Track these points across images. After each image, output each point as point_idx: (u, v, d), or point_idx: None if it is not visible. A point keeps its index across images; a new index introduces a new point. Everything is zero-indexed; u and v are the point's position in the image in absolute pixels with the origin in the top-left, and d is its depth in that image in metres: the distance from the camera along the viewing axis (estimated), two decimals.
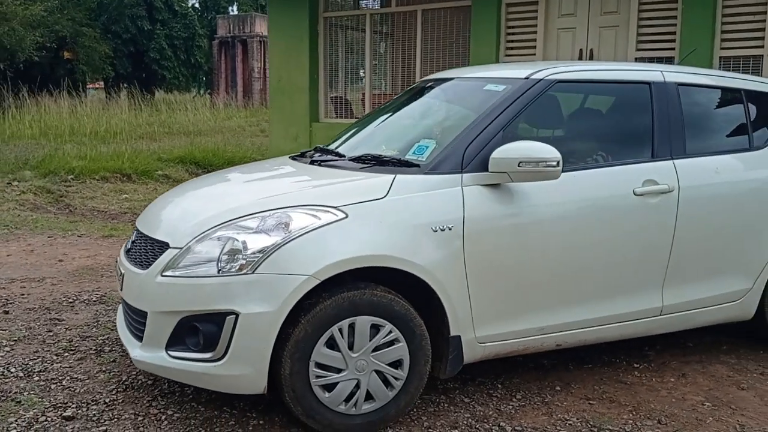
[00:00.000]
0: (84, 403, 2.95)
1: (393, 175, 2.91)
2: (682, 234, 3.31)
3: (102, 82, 32.48)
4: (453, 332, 2.87)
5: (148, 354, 2.75)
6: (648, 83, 3.43)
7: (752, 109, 3.73)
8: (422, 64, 8.00)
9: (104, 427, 2.76)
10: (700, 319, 3.54)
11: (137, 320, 2.85)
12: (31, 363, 3.33)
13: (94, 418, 2.83)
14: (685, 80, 3.55)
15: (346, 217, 2.71)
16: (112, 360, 3.41)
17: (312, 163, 3.42)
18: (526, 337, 3.10)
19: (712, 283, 3.48)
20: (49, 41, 24.79)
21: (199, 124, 18.13)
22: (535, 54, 7.21)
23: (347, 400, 2.73)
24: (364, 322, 2.68)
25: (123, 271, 3.00)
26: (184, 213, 3.05)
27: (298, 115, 8.52)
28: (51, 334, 3.73)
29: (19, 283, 4.68)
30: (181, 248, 2.72)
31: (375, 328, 2.72)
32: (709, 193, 3.43)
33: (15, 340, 3.61)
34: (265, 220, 2.72)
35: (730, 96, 3.78)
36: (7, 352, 3.47)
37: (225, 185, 3.54)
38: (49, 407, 2.89)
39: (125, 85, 24.07)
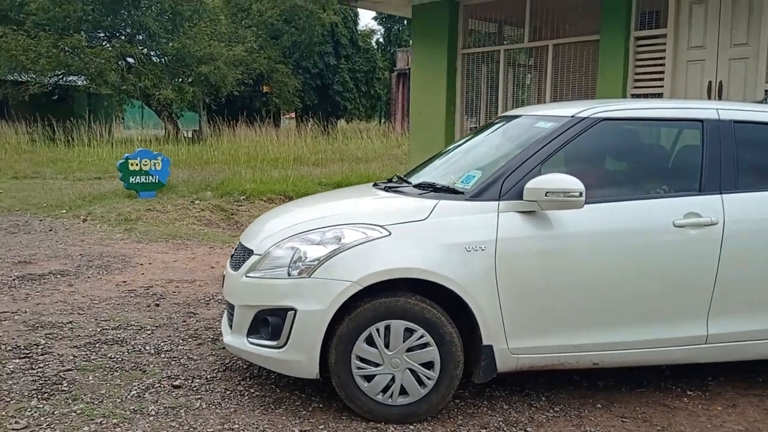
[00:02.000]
0: (191, 377, 3.71)
1: (437, 201, 3.38)
2: (728, 266, 3.38)
3: (293, 113, 35.70)
4: (485, 341, 3.24)
5: (235, 340, 3.45)
6: (700, 121, 3.58)
7: None
8: (552, 97, 8.21)
9: (200, 396, 3.48)
10: (754, 352, 3.55)
11: (230, 312, 3.57)
12: (162, 344, 4.20)
13: (195, 388, 3.57)
14: (742, 117, 3.64)
15: (390, 234, 3.24)
16: (222, 347, 4.17)
17: (384, 189, 3.96)
18: (561, 353, 3.36)
19: (765, 316, 3.48)
20: (248, 78, 27.86)
21: (368, 152, 19.40)
22: (663, 87, 7.14)
23: (384, 391, 3.22)
24: (398, 325, 3.17)
25: (225, 273, 3.75)
26: (269, 227, 3.70)
27: (435, 145, 9.06)
28: (184, 323, 4.61)
29: (175, 283, 5.71)
30: (261, 255, 3.40)
31: (408, 332, 3.18)
32: (760, 227, 3.47)
33: (157, 326, 4.53)
34: (324, 233, 3.32)
35: None
36: (149, 334, 4.38)
37: (309, 205, 4.23)
38: (165, 378, 3.69)
39: (312, 116, 26.33)
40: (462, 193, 3.42)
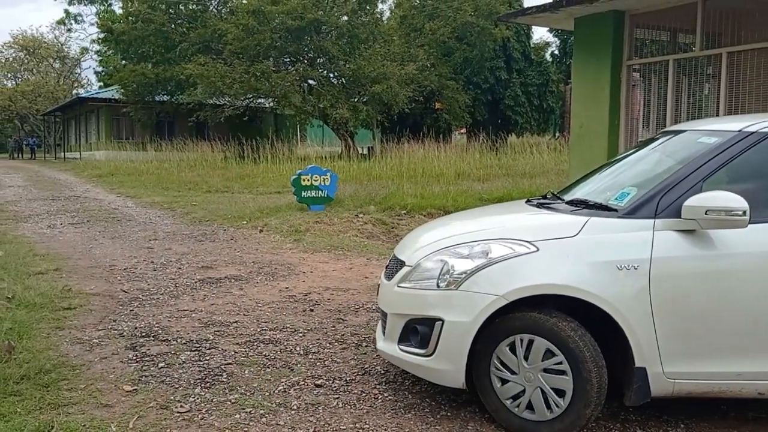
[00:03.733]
0: (332, 378, 4.01)
1: (588, 217, 3.34)
2: None
3: (464, 129, 36.03)
4: (638, 363, 3.12)
5: (387, 346, 3.67)
6: None
7: None
8: (727, 109, 7.61)
9: (338, 396, 3.75)
10: None
11: (384, 320, 3.81)
12: (311, 346, 4.56)
13: (334, 388, 3.85)
14: None
15: (537, 250, 3.25)
16: (364, 352, 4.45)
17: (536, 205, 3.95)
18: (721, 380, 3.17)
19: None
20: (419, 95, 28.64)
21: (536, 167, 19.06)
22: None
23: (514, 398, 3.28)
24: (541, 343, 3.19)
25: (379, 283, 4.01)
26: (421, 241, 3.84)
27: (596, 160, 8.78)
28: (333, 328, 4.95)
29: (330, 290, 6.12)
30: (412, 266, 3.57)
31: (550, 353, 3.18)
32: None
33: (308, 330, 4.91)
34: (473, 248, 3.42)
35: None
36: (301, 336, 4.77)
37: (460, 220, 4.38)
38: (309, 377, 4.02)
39: (482, 131, 26.47)
40: (615, 210, 3.34)
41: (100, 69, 52.75)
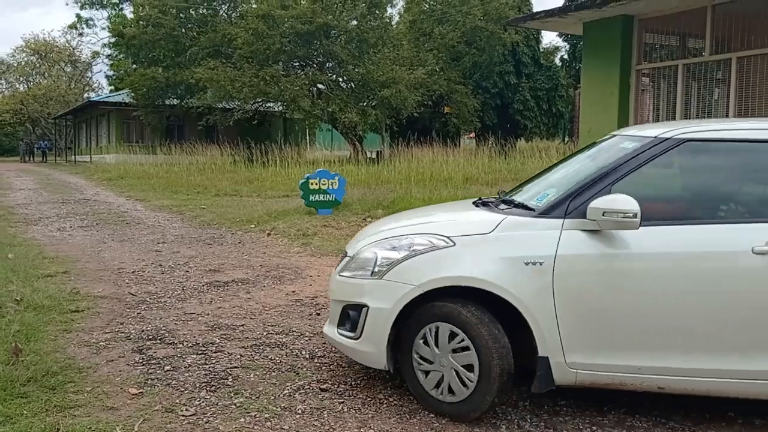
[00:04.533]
0: (337, 382, 4.00)
1: (504, 216, 3.56)
2: None
3: (473, 133, 35.99)
4: (541, 353, 3.32)
5: (329, 330, 3.95)
6: None
7: None
8: (736, 113, 7.57)
9: (343, 400, 3.75)
10: None
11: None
12: (316, 350, 4.56)
13: (339, 393, 3.85)
14: None
15: (454, 245, 3.50)
16: None
17: (478, 204, 4.11)
18: (622, 372, 3.30)
19: None
20: (428, 99, 28.64)
21: None
22: None
23: (437, 386, 3.51)
24: (444, 327, 3.45)
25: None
26: (364, 234, 4.13)
27: None
28: None
29: None
30: (351, 257, 3.85)
31: (453, 334, 3.42)
32: None
33: (314, 334, 4.91)
34: (400, 241, 3.69)
35: None
36: (307, 340, 4.77)
37: (405, 217, 4.55)
38: (314, 381, 4.01)
39: (491, 135, 26.43)
40: (533, 210, 3.54)
41: (111, 73, 53.12)
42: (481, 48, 31.07)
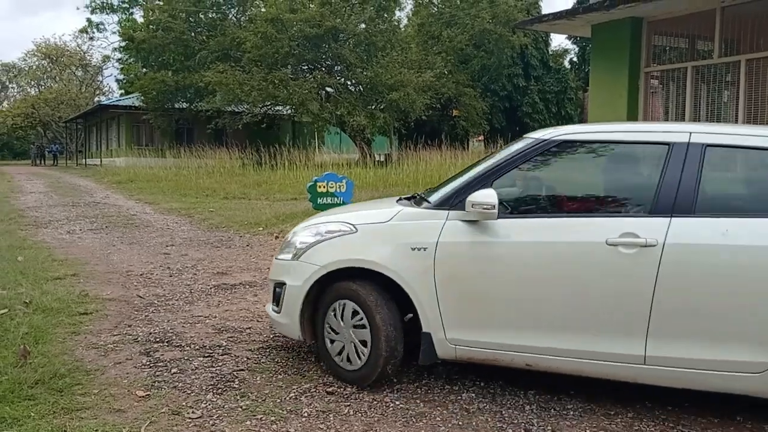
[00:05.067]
0: (344, 385, 3.99)
1: (402, 207, 3.99)
2: (665, 290, 3.29)
3: (482, 136, 35.96)
4: (424, 329, 3.74)
5: (267, 307, 4.46)
6: (668, 144, 3.52)
7: None
8: (745, 116, 7.52)
9: (349, 403, 3.74)
10: (702, 382, 3.34)
11: None
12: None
13: (345, 396, 3.84)
14: (716, 141, 3.49)
15: (356, 232, 3.97)
16: None
17: (398, 200, 4.41)
18: (495, 349, 3.66)
19: (715, 346, 3.26)
20: (436, 102, 28.64)
21: None
22: None
23: (339, 354, 4.01)
24: (349, 305, 3.91)
25: None
26: (302, 224, 4.52)
27: None
28: None
29: None
30: (285, 242, 4.36)
31: (356, 312, 3.88)
32: (708, 254, 3.27)
33: None
34: (318, 228, 4.17)
35: None
36: (313, 343, 4.76)
37: (338, 211, 4.85)
38: (321, 384, 4.01)
39: (500, 138, 26.40)
40: (429, 202, 3.90)
41: (121, 77, 53.48)
42: (490, 51, 31.06)
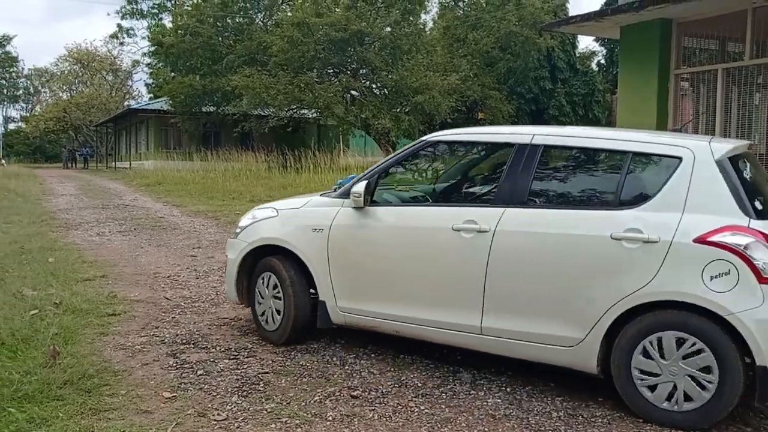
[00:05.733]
0: (368, 389, 3.98)
1: (314, 197, 4.79)
2: (495, 270, 3.82)
3: None
4: (321, 298, 4.53)
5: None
6: (513, 144, 4.04)
7: (627, 169, 3.70)
8: None
9: (374, 408, 3.73)
10: (526, 352, 3.84)
11: None
12: (347, 357, 4.55)
13: (370, 400, 3.83)
14: (554, 143, 4.04)
15: (277, 216, 4.79)
16: (401, 364, 4.41)
17: (321, 194, 4.97)
18: (373, 317, 4.35)
19: (535, 322, 3.73)
20: (462, 105, 28.54)
21: None
22: None
23: (262, 315, 4.85)
24: (271, 276, 4.73)
25: None
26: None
27: None
28: (369, 340, 4.91)
29: None
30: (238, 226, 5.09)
31: (275, 284, 4.69)
32: (526, 240, 3.77)
33: (345, 341, 4.90)
34: (255, 212, 4.99)
35: (604, 156, 3.95)
36: (338, 347, 4.76)
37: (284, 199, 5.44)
38: (345, 387, 4.00)
39: None
40: (335, 192, 4.63)
41: (150, 81, 54.22)
42: (516, 53, 30.86)
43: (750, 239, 3.26)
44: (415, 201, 4.59)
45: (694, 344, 3.31)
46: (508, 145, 4.10)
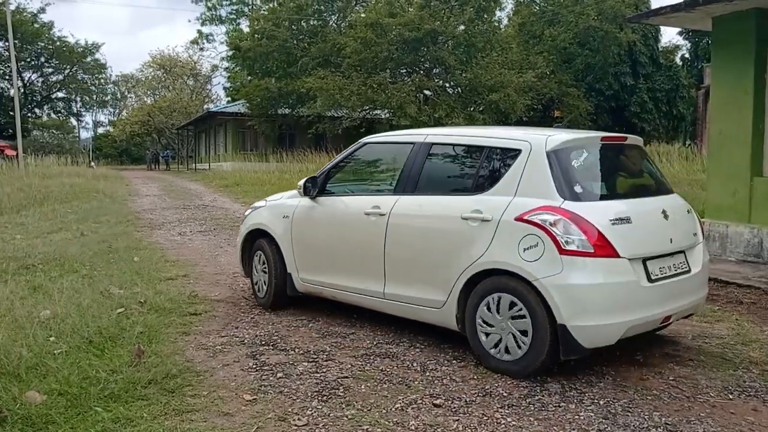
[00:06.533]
0: (451, 398, 3.83)
1: (291, 192, 5.85)
2: (389, 246, 4.80)
3: None
4: (288, 270, 5.61)
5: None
6: (412, 143, 5.00)
7: (482, 161, 4.58)
8: None
9: (458, 418, 3.57)
10: (415, 314, 4.75)
11: None
12: (428, 362, 4.41)
13: (453, 409, 3.68)
14: (438, 140, 4.94)
15: (266, 205, 5.99)
16: (485, 372, 4.23)
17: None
18: (320, 286, 5.40)
19: (416, 288, 4.64)
20: (538, 103, 27.91)
21: (667, 177, 17.87)
22: None
23: (256, 286, 6.03)
24: (261, 254, 5.89)
25: None
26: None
27: (737, 169, 8.05)
28: (451, 344, 4.76)
29: None
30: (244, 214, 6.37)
31: (263, 261, 5.84)
32: (408, 221, 4.74)
33: (426, 345, 4.77)
34: (255, 204, 6.21)
35: (469, 151, 4.82)
36: (418, 352, 4.63)
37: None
38: (427, 395, 3.87)
39: None
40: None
41: (228, 85, 55.83)
42: (595, 49, 29.98)
43: (556, 217, 3.95)
44: (349, 192, 5.50)
45: (520, 309, 4.05)
46: (410, 144, 5.01)
